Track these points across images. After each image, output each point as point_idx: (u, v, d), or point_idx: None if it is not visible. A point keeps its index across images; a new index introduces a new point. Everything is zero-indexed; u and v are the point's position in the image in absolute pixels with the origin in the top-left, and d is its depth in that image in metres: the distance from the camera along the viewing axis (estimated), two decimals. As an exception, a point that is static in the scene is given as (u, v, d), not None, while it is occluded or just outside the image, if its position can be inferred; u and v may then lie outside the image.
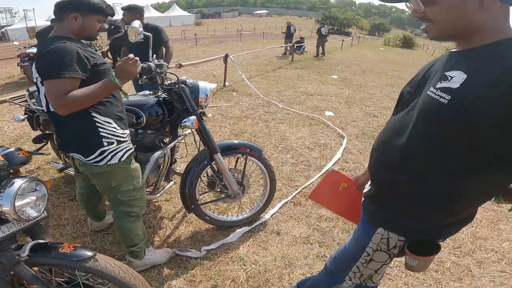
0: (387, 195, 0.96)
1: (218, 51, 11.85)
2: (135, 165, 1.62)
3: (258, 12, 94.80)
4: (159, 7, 71.27)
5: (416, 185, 0.87)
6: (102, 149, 1.43)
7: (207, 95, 1.91)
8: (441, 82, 0.79)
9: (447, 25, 0.77)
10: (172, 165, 2.11)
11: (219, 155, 1.87)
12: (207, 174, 2.04)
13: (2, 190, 0.98)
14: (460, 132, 0.74)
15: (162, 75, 1.80)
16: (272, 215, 2.38)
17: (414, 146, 0.84)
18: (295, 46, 11.64)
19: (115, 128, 1.46)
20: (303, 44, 13.57)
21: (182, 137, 2.02)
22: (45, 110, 1.44)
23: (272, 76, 7.67)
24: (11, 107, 4.00)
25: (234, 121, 4.37)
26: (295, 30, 13.49)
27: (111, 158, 1.46)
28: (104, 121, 1.42)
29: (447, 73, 0.78)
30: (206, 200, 2.16)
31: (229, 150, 2.00)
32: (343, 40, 19.20)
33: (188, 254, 1.93)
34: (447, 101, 0.74)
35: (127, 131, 1.55)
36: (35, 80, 1.42)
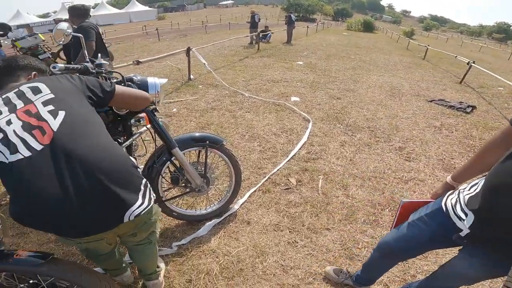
0: None
1: (183, 44, 11.53)
2: None
3: (224, 3, 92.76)
4: (117, 4, 67.08)
5: None
6: None
7: (157, 91, 1.82)
8: None
9: None
10: None
11: (177, 149, 1.84)
12: (169, 170, 2.00)
13: None
14: None
15: (103, 74, 1.70)
16: (241, 204, 2.38)
17: None
18: (260, 35, 11.63)
19: None
20: (268, 32, 13.61)
21: (137, 135, 1.92)
22: None
23: (238, 66, 7.64)
24: None
25: (200, 114, 4.33)
26: (260, 19, 13.48)
27: None
28: None
29: None
30: (172, 196, 2.14)
31: (188, 143, 1.97)
32: (307, 27, 19.39)
33: (160, 252, 1.91)
34: None
35: None
36: None
